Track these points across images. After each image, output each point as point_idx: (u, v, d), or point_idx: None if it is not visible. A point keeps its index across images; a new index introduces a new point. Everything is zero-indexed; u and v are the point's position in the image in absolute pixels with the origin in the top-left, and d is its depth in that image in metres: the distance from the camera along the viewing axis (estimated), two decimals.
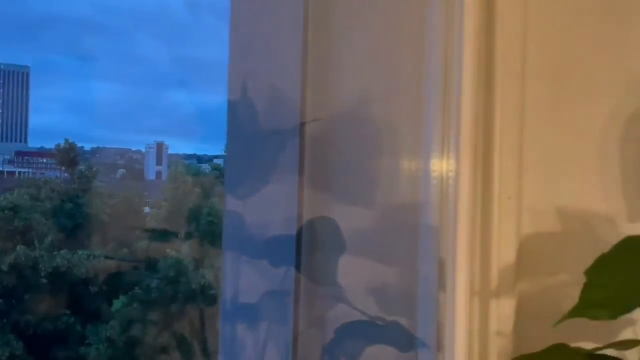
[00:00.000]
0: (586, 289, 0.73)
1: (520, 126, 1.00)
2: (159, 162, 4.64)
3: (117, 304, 3.16)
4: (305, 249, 0.96)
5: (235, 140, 1.02)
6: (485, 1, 0.93)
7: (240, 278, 0.99)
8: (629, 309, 0.70)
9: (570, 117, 1.05)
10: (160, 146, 4.59)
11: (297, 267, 0.95)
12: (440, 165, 0.91)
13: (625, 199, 1.01)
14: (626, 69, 1.00)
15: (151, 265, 3.05)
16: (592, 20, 1.03)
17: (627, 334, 0.98)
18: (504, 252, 0.98)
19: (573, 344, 0.89)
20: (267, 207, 0.99)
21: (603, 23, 1.03)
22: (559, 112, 1.05)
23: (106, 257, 3.21)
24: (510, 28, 0.95)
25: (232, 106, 1.00)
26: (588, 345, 0.88)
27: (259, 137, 1.00)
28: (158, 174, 4.58)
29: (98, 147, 4.51)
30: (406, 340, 0.97)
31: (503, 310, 0.97)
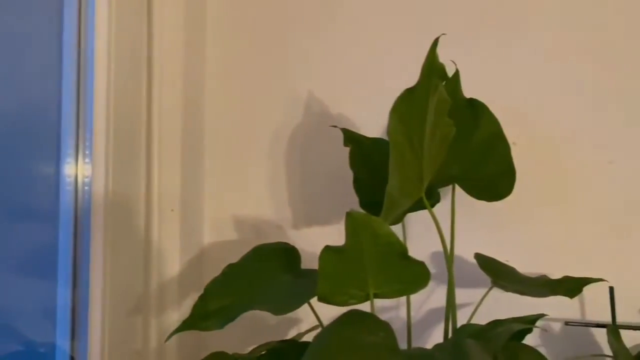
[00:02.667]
0: (199, 302, 0.75)
1: (184, 141, 1.01)
2: None
3: None
4: None
5: None
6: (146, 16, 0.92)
7: None
8: (236, 316, 0.73)
9: (244, 133, 1.10)
10: None
11: None
12: (75, 173, 0.85)
13: (291, 208, 1.09)
14: (289, 88, 1.09)
15: None
16: (259, 43, 1.09)
17: (293, 332, 1.06)
18: (167, 266, 0.97)
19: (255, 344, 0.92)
20: None
21: (270, 48, 1.10)
22: (233, 127, 1.10)
23: None
24: (169, 39, 0.96)
25: None
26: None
27: None
28: None
29: None
30: None
31: (165, 325, 0.96)
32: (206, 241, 1.08)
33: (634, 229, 1.00)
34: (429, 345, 0.77)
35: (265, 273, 0.80)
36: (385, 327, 0.64)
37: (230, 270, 0.80)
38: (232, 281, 0.78)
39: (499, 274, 0.90)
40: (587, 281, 0.89)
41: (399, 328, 0.89)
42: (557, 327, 1.02)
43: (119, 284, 0.85)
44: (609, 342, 0.86)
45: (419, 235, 0.95)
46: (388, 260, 0.71)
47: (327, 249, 0.69)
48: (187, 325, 0.73)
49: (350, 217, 0.65)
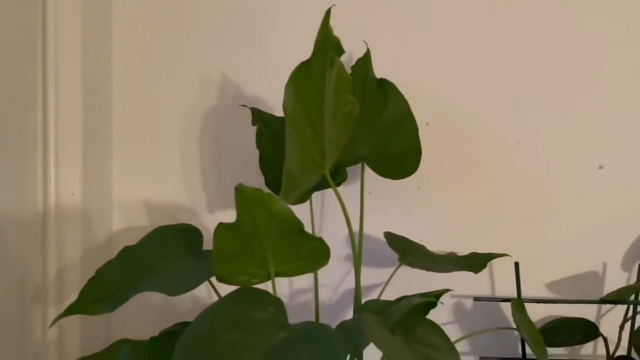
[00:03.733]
0: (88, 285, 0.71)
1: (86, 123, 0.96)
2: None
3: None
4: None
5: None
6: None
7: None
8: (127, 298, 0.70)
9: (155, 116, 1.06)
10: None
11: None
12: None
13: (205, 192, 1.07)
14: (202, 71, 1.06)
15: None
16: (170, 27, 1.05)
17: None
18: (68, 253, 0.93)
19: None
20: None
21: (181, 28, 1.06)
22: (143, 111, 1.06)
23: None
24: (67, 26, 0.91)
25: None
26: None
27: None
28: None
29: None
30: None
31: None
32: (115, 227, 1.03)
33: (539, 207, 1.04)
34: None
35: (164, 255, 0.77)
36: (275, 302, 0.63)
37: (126, 253, 0.77)
38: (127, 263, 0.75)
39: (407, 252, 0.91)
40: (491, 257, 0.92)
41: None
42: (468, 303, 1.05)
43: (10, 273, 0.80)
44: (513, 314, 0.88)
45: (336, 215, 0.94)
46: (286, 237, 0.70)
47: (221, 226, 0.67)
48: (72, 309, 0.69)
49: (239, 192, 0.64)
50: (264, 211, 0.67)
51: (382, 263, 1.02)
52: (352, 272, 1.06)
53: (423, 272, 1.04)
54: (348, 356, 0.79)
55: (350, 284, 1.06)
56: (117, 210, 1.04)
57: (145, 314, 1.05)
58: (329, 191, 1.12)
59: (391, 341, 0.66)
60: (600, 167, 1.04)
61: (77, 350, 0.92)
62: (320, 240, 0.71)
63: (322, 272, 1.04)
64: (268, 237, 0.70)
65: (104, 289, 0.71)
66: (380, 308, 0.77)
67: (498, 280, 1.05)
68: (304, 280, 1.07)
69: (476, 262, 0.90)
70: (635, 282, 1.00)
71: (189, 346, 0.53)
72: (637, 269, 1.00)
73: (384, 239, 1.03)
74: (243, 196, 0.64)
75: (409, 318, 0.73)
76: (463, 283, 1.00)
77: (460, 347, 1.04)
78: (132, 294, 0.70)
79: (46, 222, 0.87)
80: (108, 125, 1.03)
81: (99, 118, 1.01)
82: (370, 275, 1.04)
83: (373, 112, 0.92)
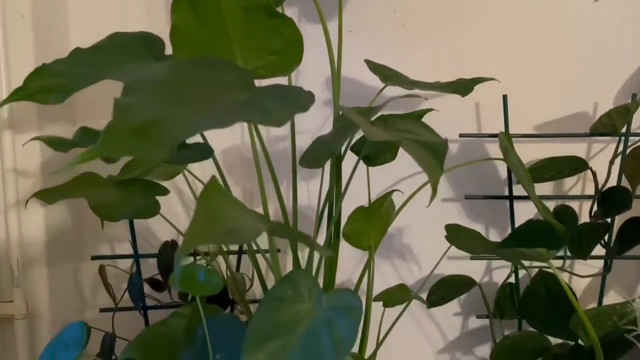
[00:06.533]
0: (35, 76, 0.64)
1: None
2: None
3: None
4: None
5: None
6: None
7: None
8: (83, 86, 0.63)
9: None
10: None
11: None
12: None
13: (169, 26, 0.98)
14: None
15: None
16: None
17: None
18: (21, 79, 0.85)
19: None
20: None
21: None
22: None
23: None
24: None
25: None
26: None
27: None
28: None
29: None
30: None
31: (26, 150, 0.85)
32: None
33: (531, 44, 0.97)
34: None
35: (121, 56, 0.70)
36: (241, 70, 0.57)
37: (78, 53, 0.69)
38: (80, 61, 0.67)
39: (390, 77, 0.85)
40: (478, 80, 0.86)
41: None
42: (454, 147, 1.00)
43: None
44: (500, 143, 0.83)
45: (312, 57, 0.87)
46: (253, 18, 0.63)
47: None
48: (17, 96, 0.62)
49: None
50: None
51: (361, 101, 0.97)
52: (331, 118, 1.00)
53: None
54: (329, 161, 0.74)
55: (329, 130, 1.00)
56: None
57: None
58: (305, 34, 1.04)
59: (370, 124, 0.61)
60: (596, 0, 0.97)
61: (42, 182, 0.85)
62: (292, 26, 0.64)
63: (299, 119, 0.98)
64: (233, 19, 0.63)
65: (53, 80, 0.64)
66: (360, 112, 0.72)
67: (484, 121, 1.00)
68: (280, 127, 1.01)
69: (463, 86, 0.84)
70: None
71: (138, 89, 0.47)
72: None
73: (364, 81, 0.97)
74: None
75: (390, 117, 0.68)
76: (448, 126, 0.95)
77: (443, 187, 1.00)
78: (84, 84, 0.63)
79: None
80: None
81: None
82: None
83: None
